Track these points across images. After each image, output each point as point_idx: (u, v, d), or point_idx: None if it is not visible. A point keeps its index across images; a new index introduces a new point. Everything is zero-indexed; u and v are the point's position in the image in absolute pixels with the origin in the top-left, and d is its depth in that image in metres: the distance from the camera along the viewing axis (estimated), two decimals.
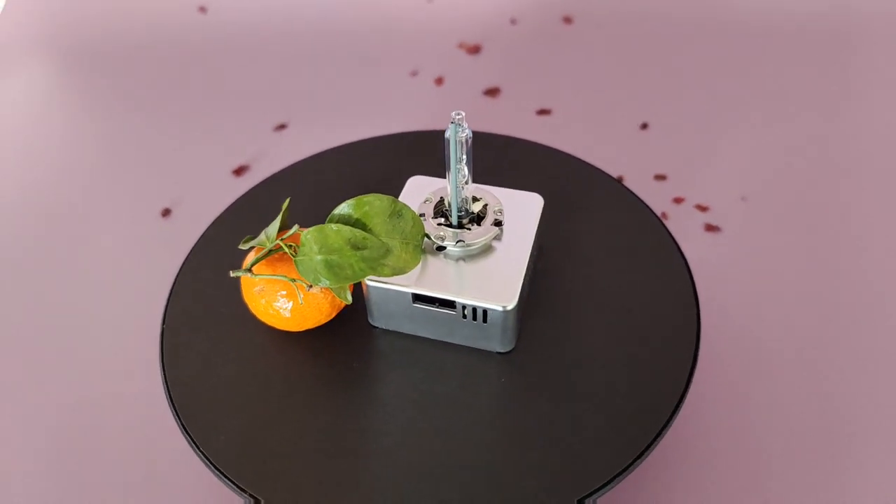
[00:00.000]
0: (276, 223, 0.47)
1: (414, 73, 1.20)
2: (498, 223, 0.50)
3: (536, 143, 0.68)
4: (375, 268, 0.45)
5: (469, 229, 0.49)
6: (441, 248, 0.49)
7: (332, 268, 0.44)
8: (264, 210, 0.61)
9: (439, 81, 1.18)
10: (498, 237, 0.50)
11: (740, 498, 0.63)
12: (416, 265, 0.47)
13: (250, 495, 0.43)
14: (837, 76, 1.15)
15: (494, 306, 0.46)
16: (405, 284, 0.47)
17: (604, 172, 0.64)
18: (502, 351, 0.50)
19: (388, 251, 0.45)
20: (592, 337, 0.51)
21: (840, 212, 0.91)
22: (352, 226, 0.46)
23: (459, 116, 0.45)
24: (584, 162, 0.66)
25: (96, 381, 0.75)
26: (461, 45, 1.26)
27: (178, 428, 0.47)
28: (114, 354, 0.77)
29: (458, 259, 0.49)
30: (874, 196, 0.93)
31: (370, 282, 0.48)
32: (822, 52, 1.20)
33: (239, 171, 1.01)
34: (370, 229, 0.46)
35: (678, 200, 0.93)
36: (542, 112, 1.10)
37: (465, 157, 0.46)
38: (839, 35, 1.24)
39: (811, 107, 1.09)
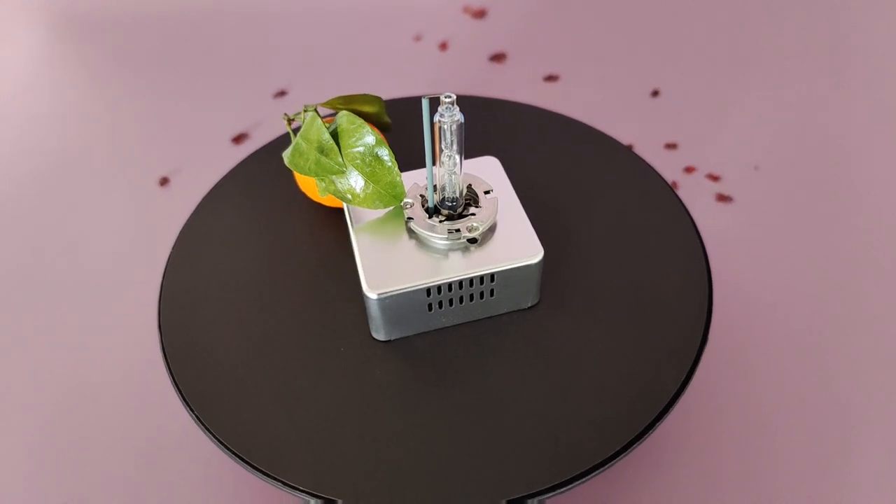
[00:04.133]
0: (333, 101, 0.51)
1: (417, 38, 1.16)
2: (465, 238, 0.45)
3: (544, 109, 0.66)
4: (321, 177, 0.47)
5: (431, 219, 0.45)
6: (409, 219, 0.46)
7: (296, 151, 0.48)
8: (263, 178, 0.59)
9: (443, 46, 1.14)
10: (465, 248, 0.45)
11: (752, 473, 0.62)
12: (370, 208, 0.47)
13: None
14: (854, 46, 1.11)
15: (366, 286, 0.43)
16: (352, 216, 0.48)
17: (614, 140, 0.63)
18: (375, 337, 0.47)
19: (341, 173, 0.46)
20: (594, 305, 0.49)
21: (853, 181, 0.88)
22: (341, 135, 0.46)
23: (449, 99, 0.41)
24: (593, 129, 0.64)
25: (93, 350, 0.74)
26: (466, 9, 1.22)
27: (178, 397, 0.46)
28: (111, 324, 0.76)
29: (412, 236, 0.46)
30: (888, 165, 0.90)
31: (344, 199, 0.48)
32: (839, 19, 1.16)
33: (238, 139, 0.99)
34: (351, 151, 0.46)
35: (689, 169, 0.91)
36: (550, 78, 1.07)
37: (453, 144, 0.42)
38: (858, 2, 1.19)
39: (825, 76, 1.06)
